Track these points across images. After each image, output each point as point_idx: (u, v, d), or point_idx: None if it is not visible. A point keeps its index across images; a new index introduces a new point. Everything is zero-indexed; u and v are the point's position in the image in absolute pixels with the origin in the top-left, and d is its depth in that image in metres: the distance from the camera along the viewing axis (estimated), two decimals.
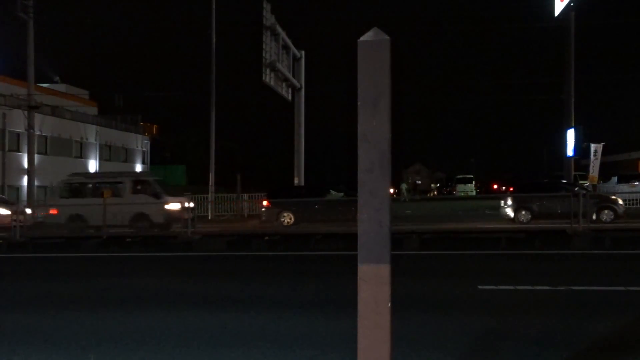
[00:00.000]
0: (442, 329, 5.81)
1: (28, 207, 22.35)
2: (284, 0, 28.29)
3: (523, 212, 18.34)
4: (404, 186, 47.19)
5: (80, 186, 19.16)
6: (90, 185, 18.96)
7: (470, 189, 56.61)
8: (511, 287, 7.96)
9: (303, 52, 24.53)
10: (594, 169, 24.20)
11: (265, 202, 20.27)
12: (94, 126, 40.63)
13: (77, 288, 9.10)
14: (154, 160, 49.79)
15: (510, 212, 18.56)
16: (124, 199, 17.88)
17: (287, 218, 19.15)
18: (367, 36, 3.07)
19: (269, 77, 20.73)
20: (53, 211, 18.91)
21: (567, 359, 4.84)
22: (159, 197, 18.10)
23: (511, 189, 21.14)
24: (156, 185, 18.85)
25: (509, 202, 18.64)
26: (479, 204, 27.30)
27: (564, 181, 24.25)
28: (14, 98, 31.32)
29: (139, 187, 18.53)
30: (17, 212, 20.42)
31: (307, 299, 7.65)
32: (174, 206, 18.28)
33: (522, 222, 18.01)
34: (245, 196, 27.66)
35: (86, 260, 13.18)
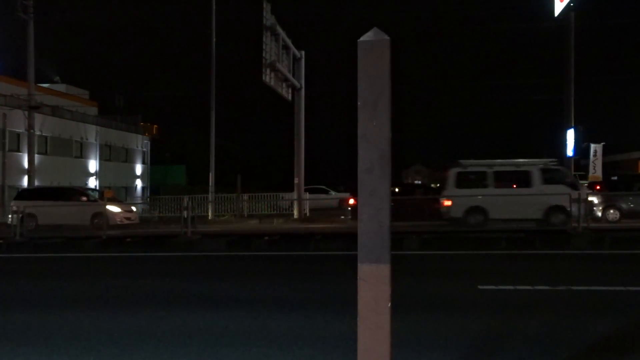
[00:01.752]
0: (442, 329, 5.81)
1: (133, 205, 22.49)
2: (284, 0, 28.30)
3: (611, 211, 18.10)
4: None
5: (479, 175, 17.41)
6: (491, 174, 16.95)
7: None
8: (511, 287, 7.96)
9: (303, 52, 24.50)
10: (597, 169, 24.20)
11: (352, 201, 19.34)
12: (94, 126, 40.61)
13: (77, 288, 9.10)
14: (154, 160, 49.75)
15: (597, 211, 18.33)
16: (534, 190, 16.27)
17: None
18: (367, 36, 3.07)
19: (269, 77, 20.70)
20: (447, 202, 17.29)
21: (567, 359, 4.84)
22: (576, 188, 16.30)
23: (597, 187, 20.89)
24: (569, 174, 17.55)
25: (596, 200, 18.29)
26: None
27: None
28: (14, 98, 31.30)
29: (549, 176, 16.70)
30: (129, 210, 20.72)
31: (307, 299, 7.65)
32: (594, 199, 17.15)
33: (609, 221, 17.74)
34: (245, 196, 27.65)
35: (86, 260, 13.18)
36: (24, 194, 22.77)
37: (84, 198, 21.12)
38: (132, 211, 21.66)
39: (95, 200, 20.98)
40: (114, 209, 20.65)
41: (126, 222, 20.50)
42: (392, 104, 3.05)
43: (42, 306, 7.62)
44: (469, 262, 11.14)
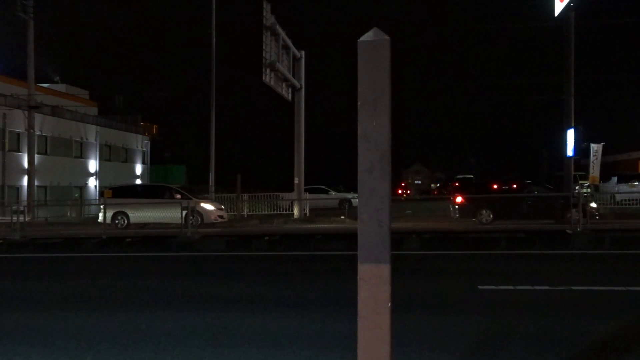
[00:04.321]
0: (442, 329, 5.81)
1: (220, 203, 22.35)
2: (284, 0, 28.29)
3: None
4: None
5: None
6: None
7: None
8: (511, 287, 7.96)
9: (303, 52, 24.47)
10: (595, 169, 24.18)
11: (459, 199, 18.86)
12: (94, 126, 40.61)
13: (77, 288, 9.10)
14: (154, 160, 49.76)
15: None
16: None
17: (486, 215, 17.99)
18: (367, 36, 3.07)
19: (269, 77, 20.69)
20: None
21: (567, 359, 4.84)
22: None
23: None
24: None
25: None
26: None
27: None
28: (14, 98, 31.31)
29: None
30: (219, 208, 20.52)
31: (307, 299, 7.65)
32: None
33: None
34: (245, 196, 27.66)
35: (86, 260, 13.18)
36: (114, 192, 22.43)
37: (178, 196, 20.88)
38: (223, 209, 21.59)
39: (189, 199, 20.80)
40: (208, 207, 20.52)
41: (219, 220, 20.47)
42: (392, 104, 3.05)
43: (42, 306, 7.62)
44: (469, 262, 11.14)
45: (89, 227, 20.19)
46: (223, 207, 22.06)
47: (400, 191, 75.36)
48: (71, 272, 11.34)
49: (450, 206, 19.48)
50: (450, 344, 5.26)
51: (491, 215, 17.94)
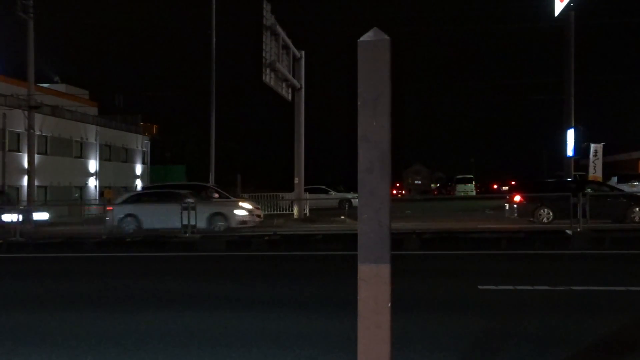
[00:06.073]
0: (442, 329, 5.81)
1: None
2: (284, 0, 28.27)
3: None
4: None
5: None
6: None
7: (470, 189, 56.82)
8: (511, 287, 7.96)
9: (303, 52, 24.47)
10: (597, 169, 24.16)
11: (518, 197, 18.43)
12: (94, 126, 40.59)
13: (77, 288, 9.10)
14: (154, 160, 49.75)
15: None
16: None
17: (546, 215, 17.62)
18: (367, 36, 3.07)
19: (269, 77, 20.68)
20: None
21: (567, 358, 4.84)
22: None
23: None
24: None
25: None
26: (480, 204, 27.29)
27: None
28: (14, 98, 31.29)
29: None
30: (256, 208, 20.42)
31: (307, 299, 7.65)
32: None
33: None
34: (245, 196, 27.66)
35: (86, 260, 13.18)
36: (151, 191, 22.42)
37: (216, 195, 20.78)
38: (259, 208, 21.65)
39: (227, 198, 20.60)
40: (246, 206, 20.61)
41: (257, 219, 20.54)
42: (392, 104, 3.05)
43: (42, 306, 7.62)
44: (469, 262, 11.14)
45: (89, 227, 20.08)
46: (259, 206, 22.06)
47: (394, 191, 74.98)
48: (71, 272, 11.34)
49: (507, 205, 19.08)
50: (451, 344, 5.26)
51: (551, 215, 17.62)
